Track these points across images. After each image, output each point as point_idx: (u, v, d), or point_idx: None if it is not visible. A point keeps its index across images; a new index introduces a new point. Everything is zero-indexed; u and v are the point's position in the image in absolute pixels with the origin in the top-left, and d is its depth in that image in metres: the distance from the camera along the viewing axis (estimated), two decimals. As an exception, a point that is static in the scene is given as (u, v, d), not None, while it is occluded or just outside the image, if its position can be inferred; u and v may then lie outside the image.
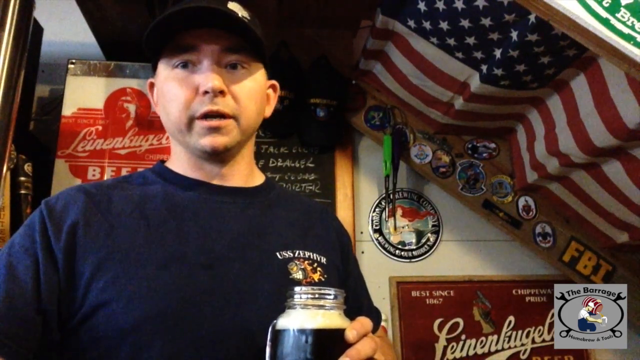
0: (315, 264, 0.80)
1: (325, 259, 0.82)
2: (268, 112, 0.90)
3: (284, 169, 1.95)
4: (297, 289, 0.63)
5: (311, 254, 0.81)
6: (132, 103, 1.73)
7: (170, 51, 0.80)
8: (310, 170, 1.96)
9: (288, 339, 0.60)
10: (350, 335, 0.60)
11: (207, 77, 0.76)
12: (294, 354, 0.59)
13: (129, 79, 1.75)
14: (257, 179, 0.90)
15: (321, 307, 0.62)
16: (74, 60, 1.73)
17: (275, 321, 0.63)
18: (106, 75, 1.74)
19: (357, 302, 0.93)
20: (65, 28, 1.98)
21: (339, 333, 0.61)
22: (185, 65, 0.79)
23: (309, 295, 0.63)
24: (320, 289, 0.63)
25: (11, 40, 1.26)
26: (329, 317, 0.62)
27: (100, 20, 1.71)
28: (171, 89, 0.79)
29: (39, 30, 1.72)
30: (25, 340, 0.64)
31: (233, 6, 0.79)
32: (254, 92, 0.82)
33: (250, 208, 0.82)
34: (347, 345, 0.60)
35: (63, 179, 1.59)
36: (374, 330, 0.95)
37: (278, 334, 0.61)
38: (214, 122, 0.77)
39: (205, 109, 0.76)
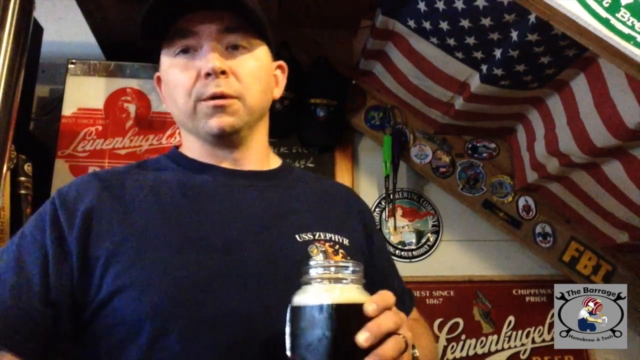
0: (337, 246, 0.78)
1: (347, 241, 0.80)
2: (277, 93, 0.89)
3: (284, 169, 1.95)
4: (312, 263, 0.61)
5: (332, 235, 0.79)
6: (132, 103, 1.73)
7: (169, 40, 0.79)
8: (310, 170, 1.96)
9: (305, 316, 0.57)
10: (369, 308, 0.57)
11: (208, 59, 0.75)
12: (311, 330, 0.56)
13: (129, 79, 1.75)
14: (273, 162, 0.89)
15: (339, 280, 0.59)
16: (74, 60, 1.73)
17: (292, 298, 0.60)
18: (106, 75, 1.74)
19: (386, 283, 0.87)
20: (65, 28, 1.98)
21: (358, 307, 0.57)
22: (185, 51, 0.78)
23: (326, 269, 0.60)
24: (337, 262, 0.61)
25: (11, 40, 1.26)
26: (347, 291, 0.59)
27: (100, 20, 1.71)
28: (174, 76, 0.79)
29: (39, 30, 1.72)
30: (33, 334, 0.64)
31: None
32: (257, 71, 0.81)
33: (267, 191, 0.81)
34: (367, 319, 0.57)
35: (63, 179, 1.59)
36: (408, 312, 0.90)
37: (295, 311, 0.59)
38: (219, 101, 0.76)
39: (209, 92, 0.76)
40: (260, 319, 0.67)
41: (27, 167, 1.49)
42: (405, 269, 1.94)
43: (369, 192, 2.01)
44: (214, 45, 0.77)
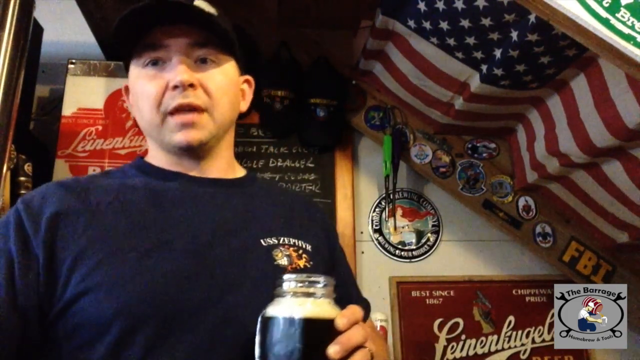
0: (301, 251, 0.80)
1: (310, 247, 0.82)
2: (244, 106, 0.91)
3: (284, 169, 1.95)
4: (286, 276, 0.63)
5: (296, 240, 0.81)
6: (132, 103, 1.73)
7: (139, 50, 0.80)
8: (310, 170, 1.96)
9: (277, 328, 0.60)
10: (340, 322, 0.60)
11: (177, 72, 0.77)
12: (283, 343, 0.59)
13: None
14: (238, 172, 0.91)
15: (311, 294, 0.61)
16: (74, 60, 1.74)
17: (264, 310, 0.62)
18: (106, 75, 1.74)
19: (346, 292, 0.92)
20: (65, 28, 1.98)
21: (329, 322, 0.60)
22: (154, 63, 0.79)
23: (299, 283, 0.62)
24: (310, 276, 0.63)
25: (11, 40, 1.26)
26: (319, 305, 0.61)
27: (100, 20, 1.71)
28: (142, 86, 0.80)
29: (39, 30, 1.72)
30: (2, 343, 0.63)
31: (199, 3, 0.79)
32: (226, 85, 0.82)
33: (232, 197, 0.82)
34: (337, 333, 0.60)
35: (63, 179, 1.59)
36: (364, 321, 0.95)
37: (267, 322, 0.61)
38: (188, 117, 0.77)
39: (176, 103, 0.77)
40: (227, 321, 0.68)
41: (27, 167, 1.49)
42: (405, 269, 1.94)
43: (369, 192, 2.02)
44: (183, 59, 0.78)
